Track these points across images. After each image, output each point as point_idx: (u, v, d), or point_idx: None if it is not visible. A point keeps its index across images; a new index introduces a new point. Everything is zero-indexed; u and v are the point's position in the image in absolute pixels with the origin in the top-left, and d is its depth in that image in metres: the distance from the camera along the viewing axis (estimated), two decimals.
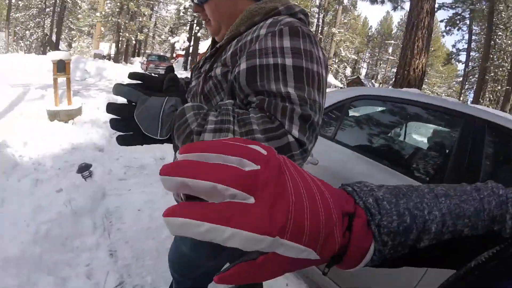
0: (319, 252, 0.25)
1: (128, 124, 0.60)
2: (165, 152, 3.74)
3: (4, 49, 27.53)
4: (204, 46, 30.64)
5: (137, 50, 40.95)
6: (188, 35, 24.03)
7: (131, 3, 27.40)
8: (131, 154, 3.64)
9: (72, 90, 6.46)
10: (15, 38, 29.87)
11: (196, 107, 0.58)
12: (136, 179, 3.12)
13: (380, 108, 2.24)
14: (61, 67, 5.02)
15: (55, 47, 25.83)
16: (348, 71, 38.14)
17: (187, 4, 22.72)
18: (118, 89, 0.61)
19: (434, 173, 1.70)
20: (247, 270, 0.25)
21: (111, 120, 0.61)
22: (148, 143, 0.61)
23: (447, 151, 1.88)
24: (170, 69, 0.69)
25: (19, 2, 30.63)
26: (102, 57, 24.23)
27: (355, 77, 32.87)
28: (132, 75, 0.66)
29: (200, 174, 0.23)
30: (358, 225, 0.28)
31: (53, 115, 4.57)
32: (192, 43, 23.26)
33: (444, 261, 0.32)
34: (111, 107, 0.61)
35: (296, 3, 0.77)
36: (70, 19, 38.26)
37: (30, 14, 31.51)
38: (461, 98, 29.17)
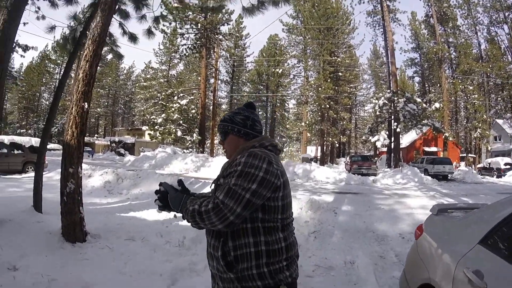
0: None
1: (164, 200, 1.40)
2: (356, 257, 3.92)
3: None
4: (405, 140, 28.78)
5: (341, 151, 43.43)
6: (387, 132, 23.35)
7: (330, 111, 30.43)
8: (325, 253, 3.95)
9: None
10: None
11: (190, 201, 1.34)
12: (322, 278, 3.29)
13: None
14: None
15: None
16: None
17: (381, 102, 22.96)
18: (165, 184, 1.42)
19: None
20: None
21: (157, 191, 1.42)
22: (169, 211, 1.40)
23: None
24: (180, 183, 1.45)
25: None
26: (309, 160, 26.77)
27: None
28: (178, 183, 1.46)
29: None
30: None
31: None
32: (392, 139, 22.30)
33: None
34: (163, 184, 1.43)
35: (268, 139, 1.45)
36: (280, 128, 46.29)
37: None
38: None
